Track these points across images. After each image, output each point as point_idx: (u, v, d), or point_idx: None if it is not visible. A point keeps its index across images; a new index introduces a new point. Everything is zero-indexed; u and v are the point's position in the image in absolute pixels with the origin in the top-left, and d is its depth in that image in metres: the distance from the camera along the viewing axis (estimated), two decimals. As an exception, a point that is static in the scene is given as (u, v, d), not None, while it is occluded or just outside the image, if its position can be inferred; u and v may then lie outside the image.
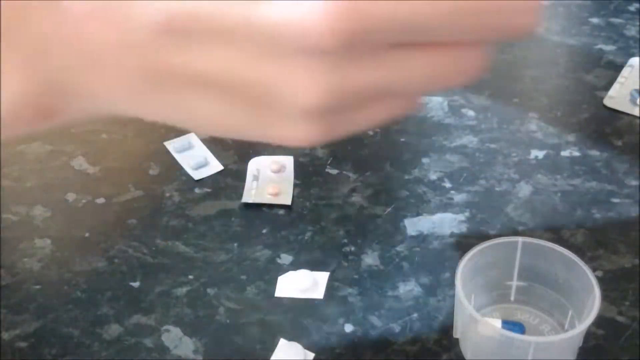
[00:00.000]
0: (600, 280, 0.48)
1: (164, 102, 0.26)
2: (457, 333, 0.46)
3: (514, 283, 0.48)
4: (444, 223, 0.54)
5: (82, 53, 0.25)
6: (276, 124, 0.27)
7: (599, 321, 0.47)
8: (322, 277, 0.50)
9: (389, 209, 0.56)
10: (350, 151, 0.61)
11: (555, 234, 0.53)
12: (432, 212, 0.55)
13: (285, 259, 0.52)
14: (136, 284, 0.50)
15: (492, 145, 0.61)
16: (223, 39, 0.24)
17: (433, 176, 0.59)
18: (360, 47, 0.24)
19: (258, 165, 0.59)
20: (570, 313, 0.46)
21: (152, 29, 0.24)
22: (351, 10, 0.23)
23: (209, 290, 0.49)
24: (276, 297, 0.49)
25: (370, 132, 0.63)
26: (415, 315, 0.48)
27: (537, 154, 0.61)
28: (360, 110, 0.28)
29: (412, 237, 0.53)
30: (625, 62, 0.71)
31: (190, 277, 0.50)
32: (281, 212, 0.55)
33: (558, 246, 0.46)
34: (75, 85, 0.26)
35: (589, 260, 0.51)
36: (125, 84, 0.26)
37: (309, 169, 0.59)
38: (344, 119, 0.28)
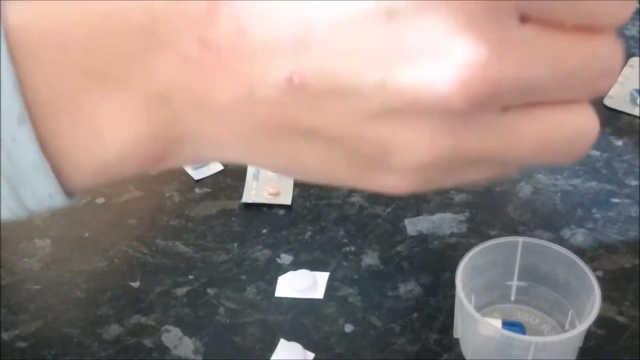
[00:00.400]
0: (600, 280, 0.48)
1: (275, 152, 0.26)
2: (457, 333, 0.46)
3: (514, 283, 0.48)
4: (444, 223, 0.54)
5: (206, 105, 0.24)
6: (379, 176, 0.26)
7: (599, 321, 0.47)
8: (322, 277, 0.50)
9: (389, 209, 0.55)
10: (350, 151, 0.61)
11: (555, 234, 0.53)
12: (432, 212, 0.55)
13: (285, 259, 0.52)
14: (136, 284, 0.50)
15: (492, 145, 0.61)
16: (348, 96, 0.23)
17: (433, 176, 0.59)
18: (480, 111, 0.24)
19: (258, 165, 0.59)
20: (570, 313, 0.46)
21: (281, 86, 0.23)
22: (485, 75, 0.23)
23: (208, 290, 0.49)
24: (276, 297, 0.49)
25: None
26: (415, 315, 0.48)
27: (537, 153, 0.61)
28: (463, 171, 0.27)
29: (412, 237, 0.53)
30: (626, 62, 0.71)
31: (190, 277, 0.50)
32: (281, 212, 0.55)
33: (558, 246, 0.46)
34: (193, 133, 0.26)
35: (589, 260, 0.51)
36: (246, 136, 0.25)
37: (309, 168, 0.59)
38: (445, 176, 0.27)
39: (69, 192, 0.26)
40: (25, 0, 0.23)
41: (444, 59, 0.22)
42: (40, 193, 0.25)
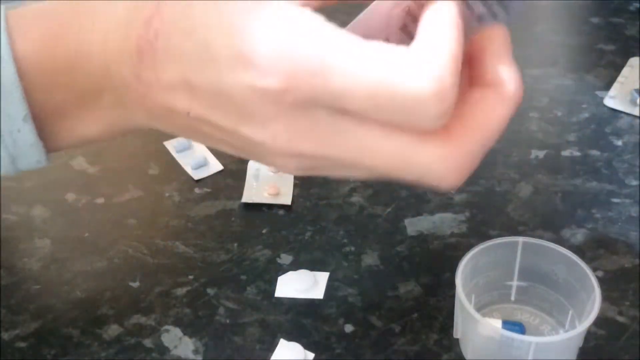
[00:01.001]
0: (600, 280, 0.48)
1: (171, 126, 0.37)
2: (457, 333, 0.46)
3: (514, 283, 0.48)
4: (444, 223, 0.54)
5: (137, 104, 0.35)
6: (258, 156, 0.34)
7: (599, 321, 0.46)
8: (322, 277, 0.50)
9: (389, 209, 0.55)
10: (350, 151, 0.61)
11: (555, 234, 0.53)
12: (432, 212, 0.55)
13: (285, 259, 0.52)
14: (136, 284, 0.50)
15: (493, 145, 0.61)
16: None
17: (433, 176, 0.58)
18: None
19: (258, 165, 0.59)
20: (570, 313, 0.46)
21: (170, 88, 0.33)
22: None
23: (208, 290, 0.49)
24: (276, 297, 0.49)
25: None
26: (415, 315, 0.48)
27: (538, 153, 0.61)
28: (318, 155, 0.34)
29: (412, 237, 0.53)
30: (626, 62, 0.71)
31: (190, 277, 0.50)
32: (281, 212, 0.55)
33: (558, 246, 0.46)
34: (134, 122, 0.37)
35: (589, 260, 0.51)
36: (152, 118, 0.36)
37: (309, 168, 0.59)
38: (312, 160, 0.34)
39: (49, 156, 0.38)
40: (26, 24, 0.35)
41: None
42: (32, 160, 0.37)
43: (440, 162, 0.31)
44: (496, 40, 0.32)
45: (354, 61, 0.28)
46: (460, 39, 0.29)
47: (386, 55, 0.28)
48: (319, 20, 0.29)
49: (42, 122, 0.36)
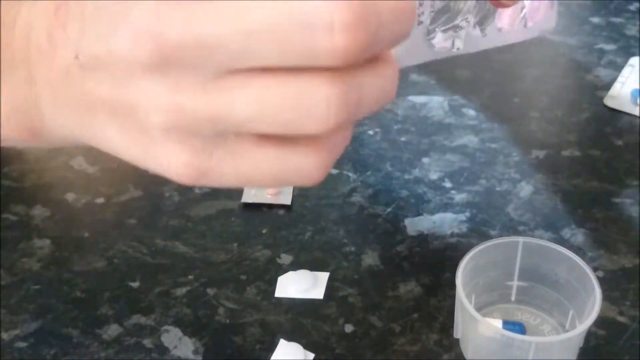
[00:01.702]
0: (601, 280, 0.48)
1: (86, 125, 0.35)
2: (457, 333, 0.46)
3: (515, 283, 0.48)
4: (444, 223, 0.54)
5: (48, 83, 0.34)
6: (157, 148, 0.34)
7: (600, 321, 0.46)
8: (322, 277, 0.50)
9: (389, 209, 0.55)
10: (350, 151, 0.61)
11: (556, 233, 0.53)
12: (432, 212, 0.55)
13: (285, 259, 0.52)
14: (136, 284, 0.50)
15: (493, 145, 0.61)
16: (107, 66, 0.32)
17: (433, 176, 0.58)
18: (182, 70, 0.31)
19: (258, 165, 0.59)
20: (570, 313, 0.46)
21: (74, 65, 0.32)
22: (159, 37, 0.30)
23: (208, 290, 0.49)
24: (276, 297, 0.49)
25: (371, 132, 0.63)
26: (415, 315, 0.48)
27: (538, 153, 0.61)
28: (216, 142, 0.33)
29: (412, 237, 0.53)
30: (626, 62, 0.71)
31: (190, 277, 0.50)
32: (281, 212, 0.55)
33: (559, 246, 0.46)
34: (42, 107, 0.35)
35: (589, 260, 0.51)
36: (65, 109, 0.35)
37: (309, 168, 0.59)
38: (207, 147, 0.33)
39: None
40: None
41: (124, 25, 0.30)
42: None
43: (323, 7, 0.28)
44: None
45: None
46: None
47: None
48: None
49: None
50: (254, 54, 0.29)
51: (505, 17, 0.45)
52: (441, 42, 0.44)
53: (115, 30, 0.30)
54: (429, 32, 0.44)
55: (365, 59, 0.30)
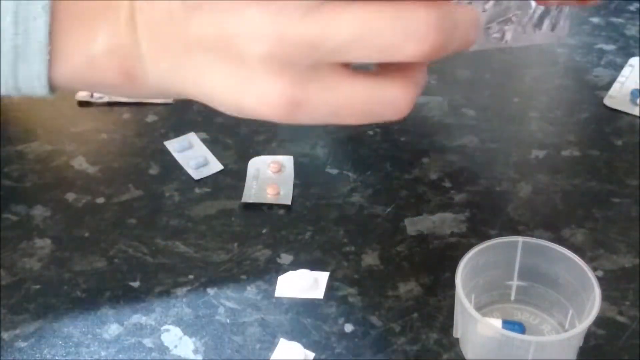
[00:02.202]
0: (600, 280, 0.48)
1: (187, 66, 0.35)
2: (457, 333, 0.46)
3: (514, 283, 0.48)
4: (444, 223, 0.54)
5: (147, 27, 0.35)
6: (253, 81, 0.35)
7: (599, 321, 0.47)
8: (322, 277, 0.50)
9: (389, 209, 0.55)
10: (350, 151, 0.61)
11: (555, 233, 0.53)
12: (432, 212, 0.55)
13: (285, 258, 0.52)
14: (136, 284, 0.50)
15: (493, 145, 0.61)
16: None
17: (433, 176, 0.59)
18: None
19: (258, 165, 0.59)
20: (570, 313, 0.46)
21: (180, 8, 0.33)
22: None
23: (208, 290, 0.49)
24: (276, 297, 0.49)
25: (371, 132, 0.63)
26: (415, 315, 0.48)
27: (538, 153, 0.61)
28: (312, 67, 0.35)
29: (412, 237, 0.53)
30: (626, 62, 0.71)
31: (190, 277, 0.50)
32: (281, 212, 0.55)
33: (558, 246, 0.46)
34: (143, 50, 0.35)
35: (589, 260, 0.51)
36: (169, 51, 0.35)
37: (309, 169, 0.59)
38: (301, 73, 0.35)
39: (52, 86, 0.35)
40: None
41: None
42: (33, 71, 0.34)
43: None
44: None
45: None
46: None
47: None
48: None
49: (54, 26, 0.34)
50: None
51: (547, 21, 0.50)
52: (495, 32, 0.47)
53: None
54: (488, 22, 0.47)
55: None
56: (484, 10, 0.46)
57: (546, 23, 0.50)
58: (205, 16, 0.33)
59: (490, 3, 0.46)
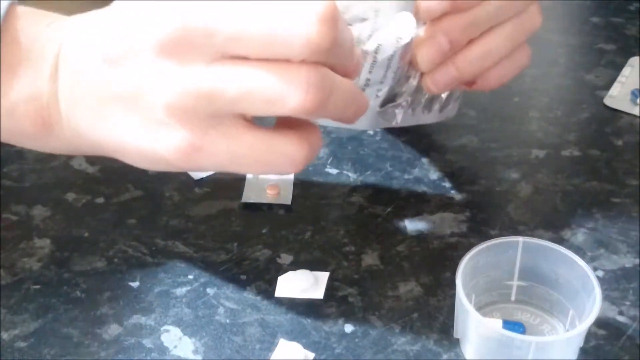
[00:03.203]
0: (601, 280, 0.48)
1: (102, 118, 0.41)
2: (457, 333, 0.46)
3: (515, 283, 0.48)
4: (444, 223, 0.54)
5: (67, 81, 0.40)
6: (158, 133, 0.40)
7: (600, 321, 0.47)
8: (322, 277, 0.50)
9: (389, 209, 0.55)
10: (350, 151, 0.61)
11: (555, 233, 0.53)
12: (432, 212, 0.55)
13: (285, 258, 0.52)
14: (135, 284, 0.50)
15: (493, 145, 0.61)
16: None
17: (433, 176, 0.59)
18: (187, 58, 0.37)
19: (258, 165, 0.59)
20: (570, 313, 0.46)
21: (98, 64, 0.39)
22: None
23: (208, 290, 0.49)
24: (276, 297, 0.49)
25: (371, 132, 0.63)
26: (415, 315, 0.48)
27: (538, 153, 0.61)
28: (214, 120, 0.39)
29: (412, 236, 0.53)
30: (626, 62, 0.71)
31: (190, 277, 0.50)
32: (281, 212, 0.55)
33: (559, 246, 0.46)
34: (59, 101, 0.40)
35: (589, 260, 0.51)
36: (84, 103, 0.40)
37: (309, 169, 0.59)
38: (205, 122, 0.40)
39: None
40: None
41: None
42: None
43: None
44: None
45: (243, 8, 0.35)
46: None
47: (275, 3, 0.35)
48: None
49: None
50: (247, 41, 0.35)
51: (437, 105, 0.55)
52: (387, 115, 0.52)
53: (139, 21, 0.37)
54: (381, 105, 0.51)
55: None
56: (377, 97, 0.49)
57: (436, 106, 0.54)
58: (123, 70, 0.37)
59: (384, 90, 0.49)
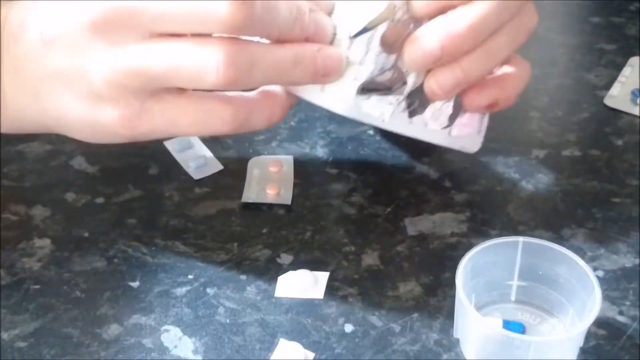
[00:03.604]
0: (601, 280, 0.48)
1: (44, 96, 0.44)
2: (457, 333, 0.46)
3: (515, 283, 0.48)
4: (444, 223, 0.54)
5: (11, 65, 0.43)
6: (99, 106, 0.44)
7: (600, 321, 0.47)
8: (322, 277, 0.50)
9: (389, 209, 0.55)
10: (350, 151, 0.61)
11: (556, 233, 0.53)
12: (432, 212, 0.55)
13: (285, 258, 0.51)
14: (135, 284, 0.50)
15: (493, 145, 0.61)
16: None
17: (433, 175, 0.58)
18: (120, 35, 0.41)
19: (258, 165, 0.59)
20: (571, 313, 0.46)
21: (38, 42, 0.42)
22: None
23: (208, 290, 0.49)
24: (276, 297, 0.49)
25: (371, 132, 0.63)
26: (415, 315, 0.48)
27: (538, 153, 0.61)
28: (145, 96, 0.44)
29: (412, 236, 0.53)
30: (626, 62, 0.71)
31: (190, 277, 0.50)
32: (281, 212, 0.55)
33: (559, 246, 0.46)
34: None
35: (589, 260, 0.51)
36: (28, 85, 0.44)
37: (309, 168, 0.59)
38: (139, 95, 0.44)
39: None
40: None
41: None
42: None
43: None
44: None
45: None
46: None
47: None
48: None
49: None
50: (169, 20, 0.38)
51: (430, 114, 0.50)
52: (371, 106, 0.48)
53: (73, 3, 0.40)
54: (363, 92, 0.48)
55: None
56: (355, 79, 0.47)
57: (440, 120, 0.51)
58: (59, 50, 0.40)
59: (364, 74, 0.47)
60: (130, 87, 0.41)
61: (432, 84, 0.47)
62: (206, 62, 0.39)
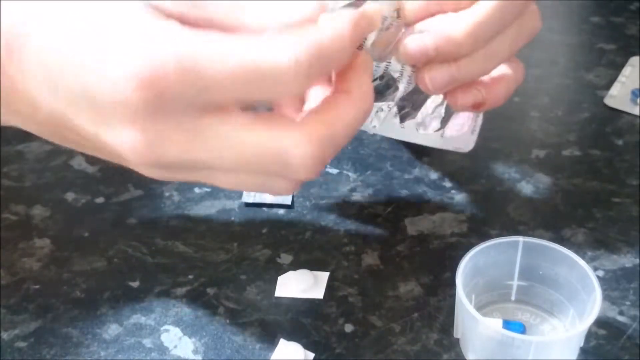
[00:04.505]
0: (601, 279, 0.48)
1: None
2: (457, 333, 0.46)
3: (515, 283, 0.48)
4: (444, 223, 0.54)
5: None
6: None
7: (600, 321, 0.47)
8: (322, 277, 0.50)
9: (389, 209, 0.55)
10: (350, 151, 0.61)
11: (556, 233, 0.53)
12: (432, 212, 0.55)
13: (285, 258, 0.51)
14: (135, 284, 0.50)
15: (493, 145, 0.61)
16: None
17: (433, 175, 0.58)
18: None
19: (258, 164, 0.59)
20: (571, 313, 0.46)
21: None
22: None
23: (208, 290, 0.49)
24: (276, 297, 0.49)
25: (371, 132, 0.63)
26: (415, 315, 0.48)
27: (538, 153, 0.61)
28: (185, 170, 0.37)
29: (412, 236, 0.53)
30: (626, 61, 0.71)
31: (190, 277, 0.50)
32: (281, 211, 0.55)
33: (559, 246, 0.46)
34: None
35: (589, 260, 0.51)
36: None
37: (309, 168, 0.59)
38: (178, 171, 0.37)
39: None
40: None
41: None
42: None
43: (296, 148, 0.34)
44: (359, 59, 0.38)
45: (214, 49, 0.31)
46: (339, 38, 0.34)
47: (247, 39, 0.32)
48: (173, 25, 0.32)
49: None
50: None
51: (421, 118, 0.50)
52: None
53: (107, 70, 0.31)
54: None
55: None
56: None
57: (433, 124, 0.51)
58: (70, 71, 0.33)
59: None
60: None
61: (424, 78, 0.46)
62: (287, 170, 0.35)
